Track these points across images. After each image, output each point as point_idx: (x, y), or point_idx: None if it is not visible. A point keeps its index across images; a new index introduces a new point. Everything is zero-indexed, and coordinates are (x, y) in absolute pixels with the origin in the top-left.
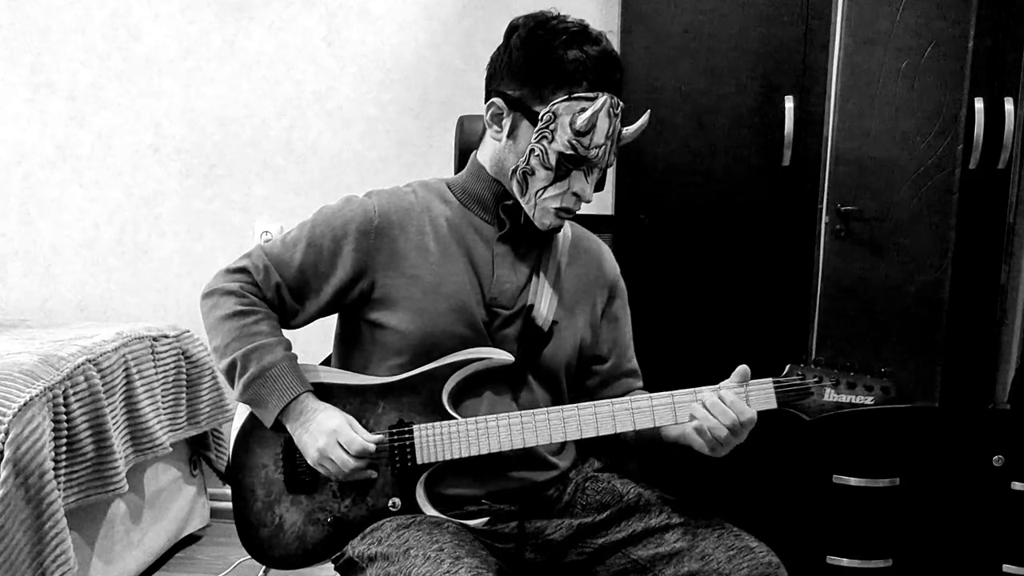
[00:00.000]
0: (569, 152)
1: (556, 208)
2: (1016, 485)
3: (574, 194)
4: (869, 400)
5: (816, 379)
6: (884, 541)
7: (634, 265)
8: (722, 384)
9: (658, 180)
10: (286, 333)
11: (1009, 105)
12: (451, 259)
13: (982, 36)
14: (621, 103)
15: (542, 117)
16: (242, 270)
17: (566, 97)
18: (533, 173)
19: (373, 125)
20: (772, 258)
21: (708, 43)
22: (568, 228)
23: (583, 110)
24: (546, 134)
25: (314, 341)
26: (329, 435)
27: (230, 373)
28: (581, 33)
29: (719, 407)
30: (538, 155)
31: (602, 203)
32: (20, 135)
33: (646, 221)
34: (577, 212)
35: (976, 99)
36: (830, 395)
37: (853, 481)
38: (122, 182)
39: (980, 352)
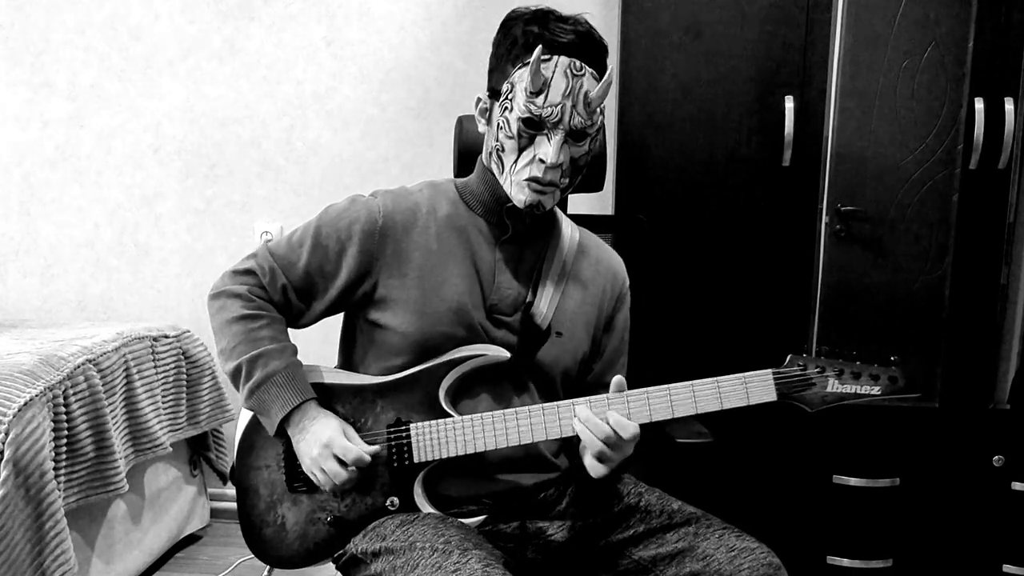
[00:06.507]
0: (526, 116)
1: (526, 179)
2: (1016, 485)
3: (540, 160)
4: (875, 390)
5: (819, 369)
6: (884, 541)
7: (634, 265)
8: (606, 396)
9: (658, 180)
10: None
11: (1009, 105)
12: (454, 261)
13: (982, 36)
14: (587, 67)
15: (503, 91)
16: (249, 271)
17: (522, 65)
18: (503, 149)
19: (373, 125)
20: (772, 258)
21: (708, 43)
22: (576, 233)
23: (536, 72)
24: (507, 105)
25: (314, 341)
26: (323, 446)
27: (235, 378)
28: (545, 13)
29: (592, 421)
30: (503, 128)
31: (602, 203)
32: (20, 135)
33: (646, 221)
34: (552, 183)
35: (976, 99)
36: (833, 386)
37: (853, 481)
38: (122, 182)
39: (980, 352)
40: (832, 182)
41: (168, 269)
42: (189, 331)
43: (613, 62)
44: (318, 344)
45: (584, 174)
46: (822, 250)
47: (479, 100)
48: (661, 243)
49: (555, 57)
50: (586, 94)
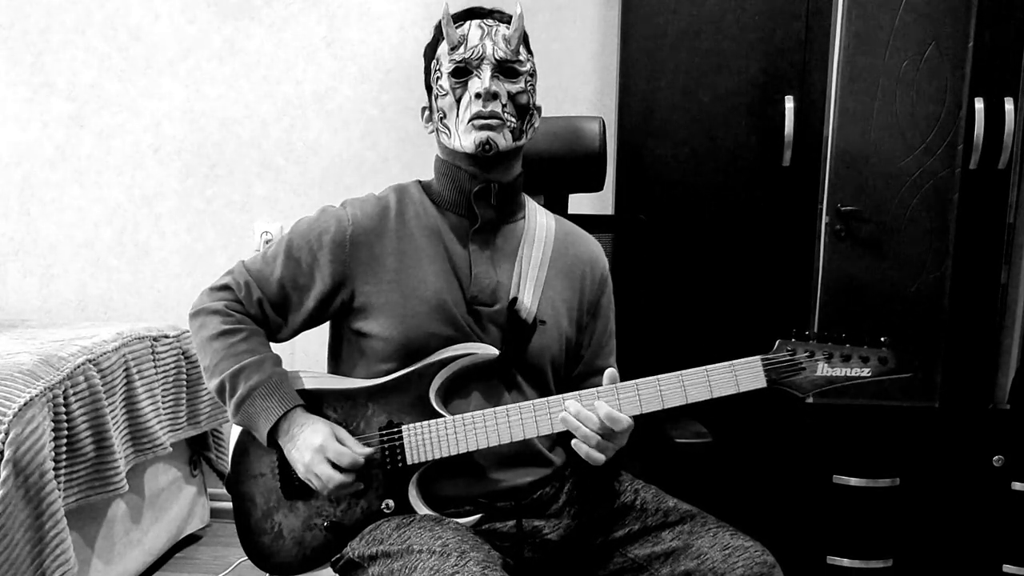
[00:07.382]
0: (452, 68)
1: (469, 119)
2: (1016, 485)
3: (476, 95)
4: (866, 372)
5: (808, 354)
6: (884, 541)
7: (633, 265)
8: (596, 390)
9: (658, 180)
10: (281, 346)
11: (1009, 105)
12: (429, 260)
13: (982, 36)
14: (498, 23)
15: (432, 71)
16: (225, 287)
17: (441, 41)
18: (444, 114)
19: (373, 125)
20: (772, 258)
21: (708, 43)
22: (552, 221)
23: (451, 27)
24: (437, 75)
25: (315, 343)
26: (315, 451)
27: (220, 394)
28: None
29: (584, 415)
30: (439, 95)
31: (602, 203)
32: (20, 135)
33: (646, 221)
34: (494, 115)
35: (976, 99)
36: (823, 370)
37: (853, 481)
38: (122, 182)
39: (980, 352)
40: (832, 182)
41: (168, 269)
42: (189, 331)
43: (613, 62)
44: (318, 346)
45: (535, 126)
46: (822, 250)
47: (423, 109)
48: (661, 243)
49: (466, 21)
50: (503, 35)
